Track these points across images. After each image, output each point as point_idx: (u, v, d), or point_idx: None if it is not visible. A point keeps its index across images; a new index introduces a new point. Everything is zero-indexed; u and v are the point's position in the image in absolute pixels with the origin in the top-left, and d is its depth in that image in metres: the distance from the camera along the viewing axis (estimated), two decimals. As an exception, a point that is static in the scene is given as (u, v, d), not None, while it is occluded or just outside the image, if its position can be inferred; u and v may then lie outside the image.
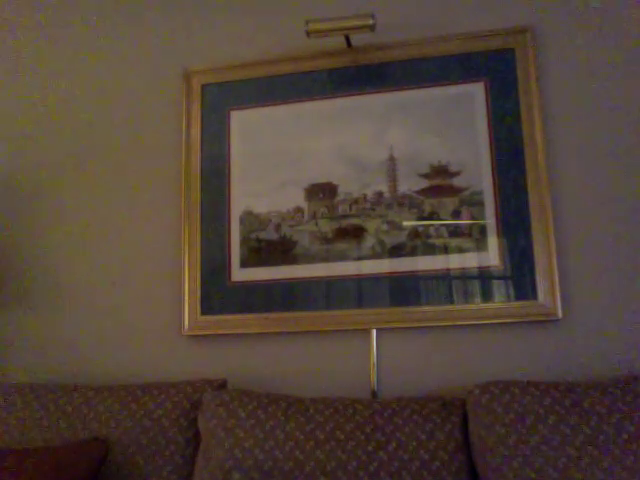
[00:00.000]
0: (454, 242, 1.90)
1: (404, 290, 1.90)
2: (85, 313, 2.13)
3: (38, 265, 2.20)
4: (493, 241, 1.87)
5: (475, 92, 1.96)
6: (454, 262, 1.88)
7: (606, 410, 1.48)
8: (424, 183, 1.95)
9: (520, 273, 1.84)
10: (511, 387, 1.57)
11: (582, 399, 1.51)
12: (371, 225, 1.96)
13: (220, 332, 1.99)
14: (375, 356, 1.90)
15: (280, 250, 2.01)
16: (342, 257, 1.96)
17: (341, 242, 1.97)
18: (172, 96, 2.21)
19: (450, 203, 1.92)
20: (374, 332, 1.91)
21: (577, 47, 1.94)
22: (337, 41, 2.07)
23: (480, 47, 1.97)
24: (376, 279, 1.92)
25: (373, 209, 1.97)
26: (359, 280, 1.93)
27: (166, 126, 2.19)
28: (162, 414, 1.72)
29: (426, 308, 1.87)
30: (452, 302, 1.86)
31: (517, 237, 1.86)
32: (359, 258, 1.94)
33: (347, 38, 2.01)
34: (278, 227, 2.02)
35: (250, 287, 2.00)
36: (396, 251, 1.93)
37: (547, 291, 1.81)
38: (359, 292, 1.92)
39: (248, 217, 2.05)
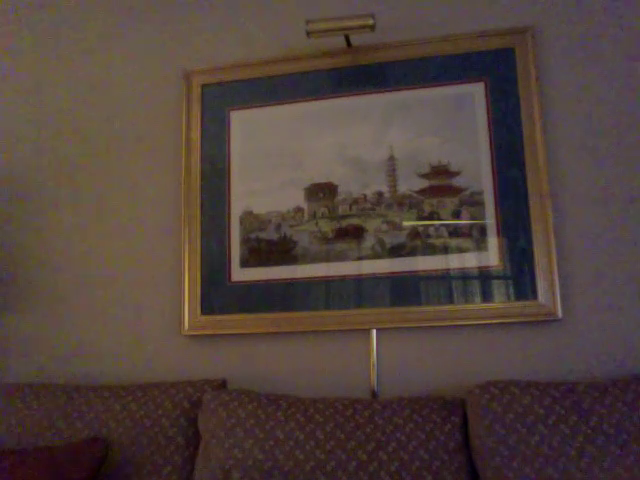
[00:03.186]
0: (454, 242, 1.90)
1: (404, 290, 1.90)
2: (85, 313, 2.13)
3: (38, 265, 2.20)
4: (493, 241, 1.87)
5: (475, 92, 1.96)
6: (454, 262, 1.88)
7: (606, 410, 1.48)
8: (424, 183, 1.95)
9: (520, 273, 1.84)
10: (511, 387, 1.57)
11: (582, 399, 1.51)
12: (371, 225, 1.96)
13: (220, 332, 1.99)
14: (375, 356, 1.90)
15: (280, 250, 2.00)
16: (342, 257, 1.96)
17: (341, 242, 1.97)
18: (172, 96, 2.21)
19: (450, 203, 1.92)
20: (374, 332, 1.91)
21: (577, 47, 1.94)
22: (337, 41, 2.07)
23: (480, 47, 1.97)
24: (376, 279, 1.92)
25: (373, 209, 1.97)
26: (359, 280, 1.93)
27: (166, 126, 2.19)
28: (162, 414, 1.72)
29: (426, 308, 1.87)
30: (452, 302, 1.86)
31: (517, 237, 1.86)
32: (359, 258, 1.94)
33: (347, 38, 2.01)
34: (278, 227, 2.02)
35: (250, 287, 2.00)
36: (396, 251, 1.93)
37: (547, 291, 1.81)
38: (359, 292, 1.92)
39: (248, 217, 2.05)
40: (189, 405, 1.75)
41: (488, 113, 1.94)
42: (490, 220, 1.88)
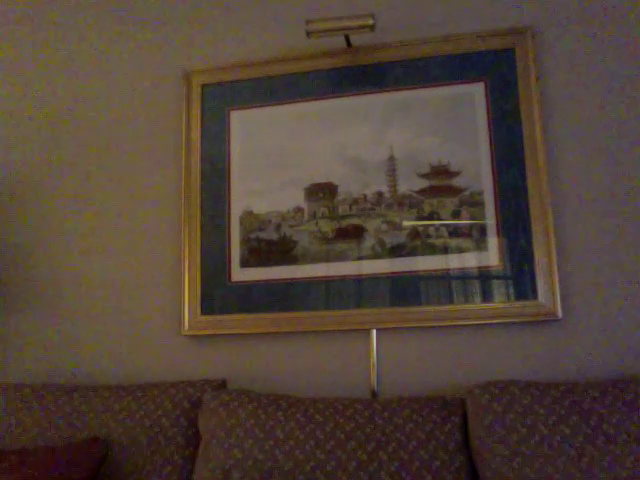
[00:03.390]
0: (454, 242, 1.90)
1: (404, 290, 1.90)
2: (85, 313, 2.13)
3: (38, 265, 2.20)
4: (493, 241, 1.87)
5: (475, 92, 1.96)
6: (454, 262, 1.88)
7: (606, 410, 1.48)
8: (424, 183, 1.95)
9: (520, 273, 1.84)
10: (511, 387, 1.57)
11: (582, 399, 1.51)
12: (371, 225, 1.96)
13: (220, 332, 1.99)
14: (375, 356, 1.90)
15: (280, 250, 2.00)
16: (342, 257, 1.96)
17: (341, 242, 1.97)
18: (172, 96, 2.21)
19: (450, 203, 1.92)
20: (374, 332, 1.91)
21: (577, 47, 1.94)
22: (337, 41, 2.07)
23: (480, 47, 1.97)
24: (376, 279, 1.92)
25: (373, 209, 1.97)
26: (359, 280, 1.93)
27: (166, 126, 2.19)
28: (162, 414, 1.72)
29: (426, 308, 1.87)
30: (452, 302, 1.86)
31: (517, 237, 1.86)
32: (359, 258, 1.94)
33: (347, 38, 2.01)
34: (278, 227, 2.02)
35: (250, 287, 2.00)
36: (396, 251, 1.93)
37: (547, 291, 1.80)
38: (359, 292, 1.92)
39: (248, 217, 2.05)
40: (189, 405, 1.75)
41: (488, 113, 1.94)
42: (490, 220, 1.88)
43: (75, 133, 2.27)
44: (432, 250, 1.90)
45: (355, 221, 1.97)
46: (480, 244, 1.88)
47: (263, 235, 2.03)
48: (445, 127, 1.96)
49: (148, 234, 2.14)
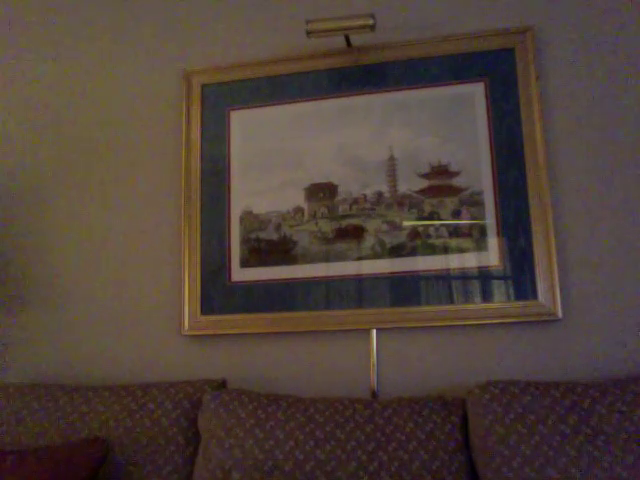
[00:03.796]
0: (454, 242, 1.90)
1: (404, 290, 1.90)
2: (85, 313, 2.13)
3: (38, 265, 2.20)
4: (493, 241, 1.87)
5: (475, 92, 1.96)
6: (454, 262, 1.88)
7: (606, 410, 1.48)
8: (424, 183, 1.95)
9: (520, 273, 1.84)
10: (511, 387, 1.57)
11: (582, 399, 1.51)
12: (371, 225, 1.96)
13: (220, 332, 1.99)
14: (375, 356, 1.90)
15: (280, 250, 2.00)
16: (342, 257, 1.96)
17: (341, 242, 1.97)
18: (172, 96, 2.21)
19: (450, 203, 1.92)
20: (374, 332, 1.91)
21: (577, 47, 1.94)
22: (337, 41, 2.07)
23: (480, 47, 1.97)
24: (376, 279, 1.92)
25: (373, 209, 1.97)
26: (359, 280, 1.93)
27: (166, 126, 2.19)
28: (162, 414, 1.72)
29: (426, 308, 1.87)
30: (452, 302, 1.86)
31: (517, 237, 1.86)
32: (359, 258, 1.94)
33: (347, 38, 2.01)
34: (278, 227, 2.02)
35: (250, 287, 2.00)
36: (396, 251, 1.93)
37: (547, 291, 1.80)
38: (359, 292, 1.92)
39: (248, 217, 2.05)
40: (189, 405, 1.75)
41: (488, 113, 1.94)
42: (490, 220, 1.88)
43: (75, 133, 2.27)
44: (432, 250, 1.90)
45: (355, 221, 1.97)
46: (480, 244, 1.88)
47: (263, 235, 2.03)
48: (445, 127, 1.96)
49: (148, 234, 2.14)
